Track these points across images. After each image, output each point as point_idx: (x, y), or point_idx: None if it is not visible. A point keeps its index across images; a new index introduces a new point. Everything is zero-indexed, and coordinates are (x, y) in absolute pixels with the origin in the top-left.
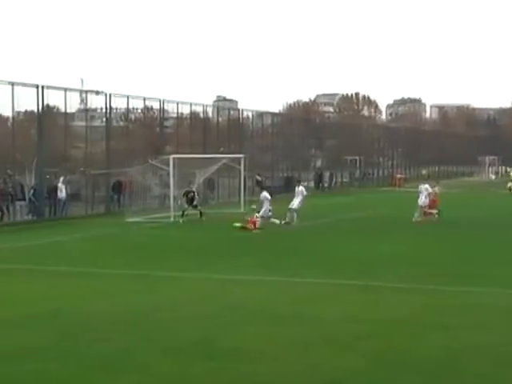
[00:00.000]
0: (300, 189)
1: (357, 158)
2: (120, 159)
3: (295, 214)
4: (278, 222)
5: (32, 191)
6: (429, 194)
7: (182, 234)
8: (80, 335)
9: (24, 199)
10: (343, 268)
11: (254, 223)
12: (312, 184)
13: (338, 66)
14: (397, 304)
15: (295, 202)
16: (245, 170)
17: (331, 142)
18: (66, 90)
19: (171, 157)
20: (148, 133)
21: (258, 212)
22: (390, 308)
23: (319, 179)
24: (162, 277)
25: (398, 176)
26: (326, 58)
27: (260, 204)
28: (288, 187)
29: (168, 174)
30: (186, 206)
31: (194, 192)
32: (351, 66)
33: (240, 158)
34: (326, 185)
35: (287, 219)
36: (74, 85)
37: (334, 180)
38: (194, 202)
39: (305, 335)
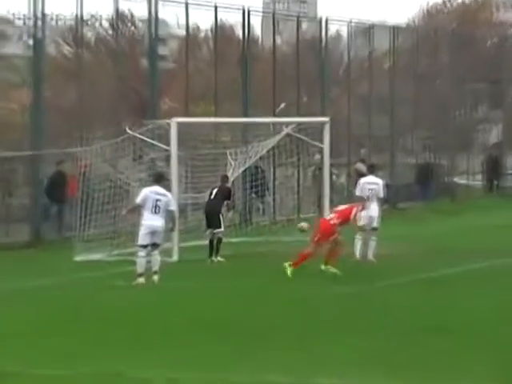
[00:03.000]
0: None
1: None
2: (63, 128)
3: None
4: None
5: None
6: None
7: (197, 288)
8: None
9: None
10: None
11: (305, 256)
12: (479, 179)
13: None
14: None
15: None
16: (331, 150)
17: None
18: None
19: (173, 121)
20: (124, 69)
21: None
22: None
23: (494, 170)
24: (149, 381)
25: None
26: None
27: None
28: (426, 188)
29: (166, 157)
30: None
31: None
32: None
33: (323, 124)
34: (508, 183)
35: (358, 254)
36: None
37: None
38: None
39: None
